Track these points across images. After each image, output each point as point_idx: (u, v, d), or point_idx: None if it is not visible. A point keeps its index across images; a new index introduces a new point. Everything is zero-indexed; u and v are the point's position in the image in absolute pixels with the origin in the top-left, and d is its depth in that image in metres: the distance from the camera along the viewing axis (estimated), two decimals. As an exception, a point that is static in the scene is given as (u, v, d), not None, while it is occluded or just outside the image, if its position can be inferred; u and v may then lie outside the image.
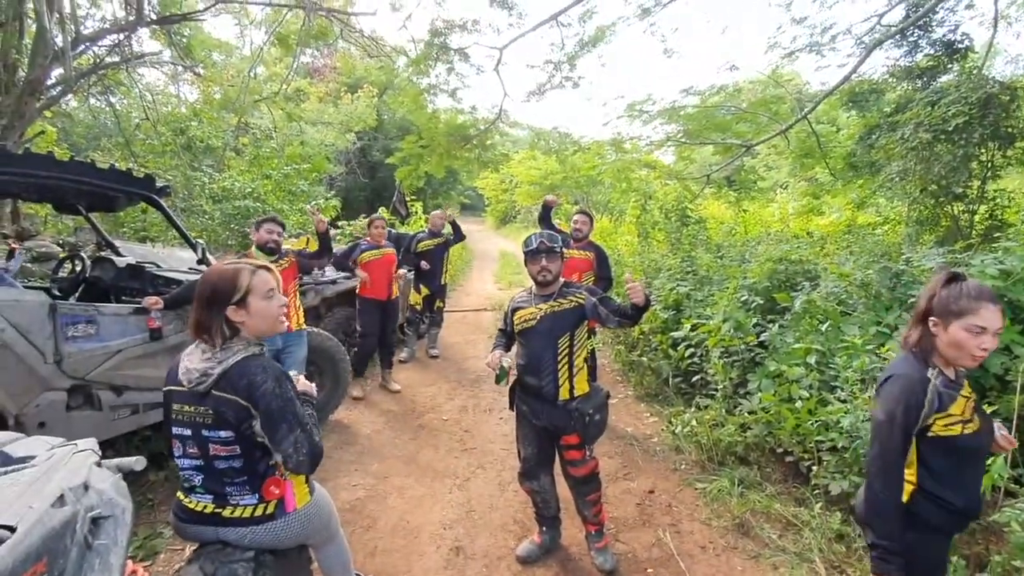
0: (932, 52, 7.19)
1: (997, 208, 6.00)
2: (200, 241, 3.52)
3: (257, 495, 1.58)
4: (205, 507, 1.58)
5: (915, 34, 7.32)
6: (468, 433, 4.24)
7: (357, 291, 4.93)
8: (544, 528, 2.77)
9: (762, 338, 3.77)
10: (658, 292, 5.36)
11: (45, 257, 6.95)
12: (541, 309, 2.48)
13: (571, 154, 10.48)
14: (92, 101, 10.98)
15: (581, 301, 2.46)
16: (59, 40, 7.53)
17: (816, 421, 2.86)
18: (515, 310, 2.58)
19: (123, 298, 3.77)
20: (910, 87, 7.62)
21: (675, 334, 4.45)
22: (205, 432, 1.52)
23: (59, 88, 8.16)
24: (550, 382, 2.44)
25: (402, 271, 5.14)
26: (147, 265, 3.91)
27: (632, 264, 7.30)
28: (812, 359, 3.15)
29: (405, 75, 10.16)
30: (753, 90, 9.72)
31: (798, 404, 2.94)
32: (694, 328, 4.26)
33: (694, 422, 3.76)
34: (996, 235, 5.61)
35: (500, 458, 3.82)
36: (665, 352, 4.77)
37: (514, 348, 2.69)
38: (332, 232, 9.18)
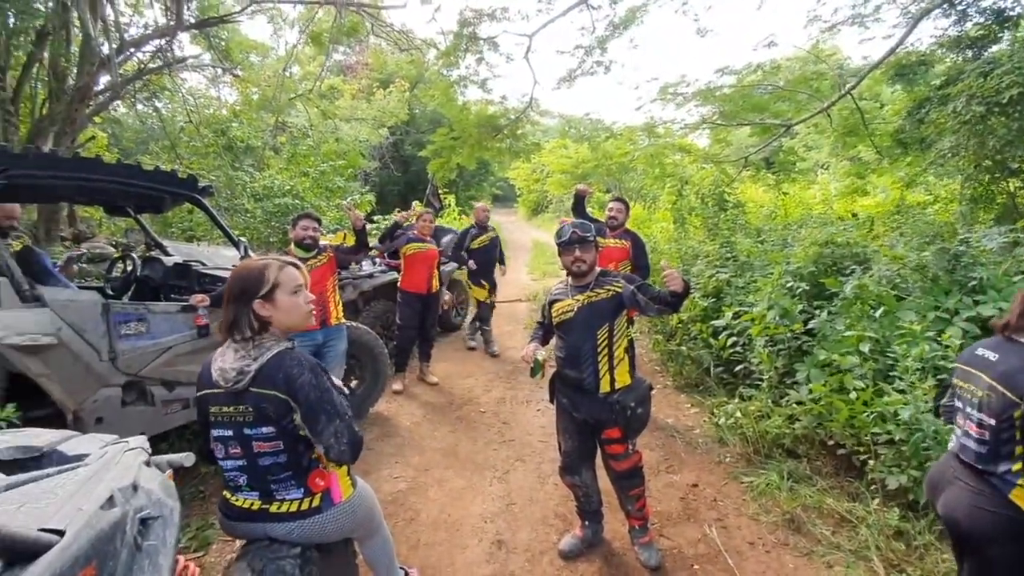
0: (982, 21, 6.73)
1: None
2: (242, 239, 3.61)
3: (303, 489, 1.59)
4: (252, 504, 1.60)
5: (963, 2, 6.86)
6: (506, 425, 4.24)
7: (398, 284, 4.98)
8: (586, 522, 2.74)
9: (810, 326, 3.62)
10: (697, 279, 5.23)
11: (100, 258, 7.27)
12: (578, 300, 2.43)
13: (603, 140, 10.30)
14: (139, 107, 11.41)
15: (618, 290, 2.41)
16: (104, 47, 7.83)
17: (872, 412, 2.72)
18: (552, 302, 2.55)
19: (171, 296, 3.90)
20: (959, 58, 7.17)
21: (716, 322, 4.32)
22: (247, 431, 1.54)
23: (107, 94, 8.51)
24: (590, 374, 2.40)
25: (443, 268, 5.18)
26: (193, 263, 4.04)
27: (668, 252, 7.15)
28: (865, 347, 3.00)
29: (435, 68, 10.17)
30: (792, 67, 9.30)
31: (852, 395, 2.80)
32: (736, 316, 4.13)
33: (739, 413, 3.65)
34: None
35: (539, 450, 3.80)
36: (705, 341, 4.65)
37: (552, 341, 2.66)
38: (368, 227, 9.31)
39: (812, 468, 3.25)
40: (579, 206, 4.85)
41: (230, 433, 1.57)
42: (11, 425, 2.13)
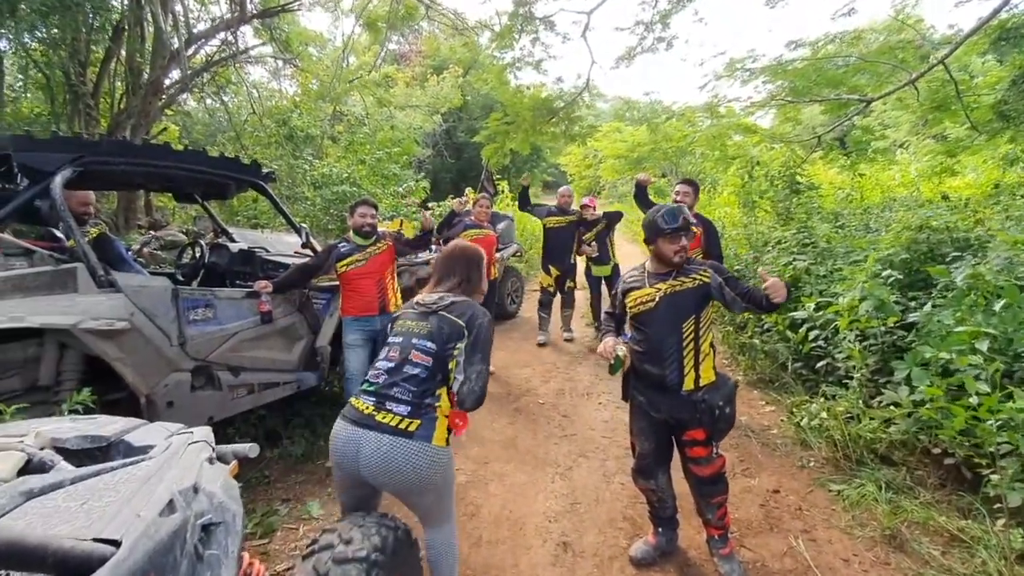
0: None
1: None
2: (304, 226, 3.59)
3: (410, 407, 1.81)
4: (367, 408, 1.82)
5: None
6: (567, 418, 4.09)
7: None
8: (660, 528, 2.54)
9: (910, 319, 3.25)
10: (771, 268, 4.86)
11: (172, 245, 7.60)
12: (660, 289, 2.23)
13: (664, 121, 9.84)
14: (208, 101, 11.85)
15: (706, 280, 2.22)
16: (175, 42, 8.10)
17: (999, 421, 2.38)
18: (627, 291, 2.35)
19: (236, 282, 3.96)
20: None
21: (795, 314, 3.99)
22: (415, 340, 1.89)
23: (177, 87, 8.84)
24: (674, 371, 2.21)
25: (500, 254, 5.02)
26: (257, 250, 4.07)
27: (736, 238, 6.73)
28: (983, 345, 2.64)
29: (489, 51, 9.99)
30: (873, 38, 8.53)
31: (973, 399, 2.46)
32: (819, 308, 3.79)
33: (824, 414, 3.34)
34: None
35: (602, 447, 3.63)
36: (782, 334, 4.31)
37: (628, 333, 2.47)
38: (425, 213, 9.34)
39: (913, 478, 2.93)
40: (641, 194, 4.59)
41: (400, 340, 1.93)
42: (87, 409, 2.15)
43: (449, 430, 1.88)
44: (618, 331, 2.47)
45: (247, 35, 10.13)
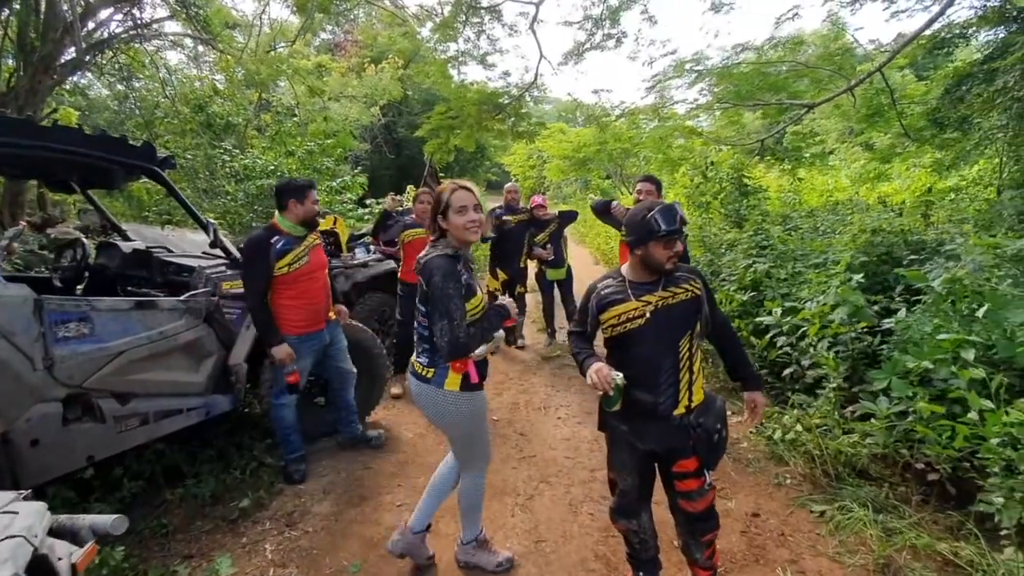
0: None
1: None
2: (212, 222, 3.00)
3: (428, 358, 2.08)
4: (414, 361, 2.14)
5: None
6: (524, 437, 3.70)
7: (398, 275, 4.38)
8: (640, 573, 2.18)
9: (885, 324, 3.09)
10: (731, 270, 4.69)
11: (66, 245, 6.63)
12: (649, 303, 1.85)
13: (613, 120, 9.71)
14: (119, 87, 10.67)
15: (698, 292, 1.90)
16: (68, 13, 7.10)
17: (1001, 435, 2.20)
18: (605, 306, 1.93)
19: (128, 288, 3.31)
20: (1003, 31, 6.66)
21: (763, 319, 3.80)
22: (419, 304, 2.06)
23: (71, 64, 7.78)
24: (669, 396, 1.87)
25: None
26: (156, 250, 3.44)
27: (691, 240, 6.60)
28: (969, 354, 2.48)
29: (431, 43, 9.50)
30: (814, 44, 8.77)
31: (972, 415, 2.27)
32: (788, 313, 3.61)
33: (799, 427, 3.13)
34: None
35: (565, 469, 3.27)
36: (746, 340, 4.13)
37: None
38: (361, 212, 8.72)
39: (896, 495, 2.74)
40: (604, 209, 4.15)
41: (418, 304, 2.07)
42: None
43: (467, 375, 2.03)
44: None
45: (159, 14, 9.16)
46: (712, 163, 7.79)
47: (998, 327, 2.60)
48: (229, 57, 8.31)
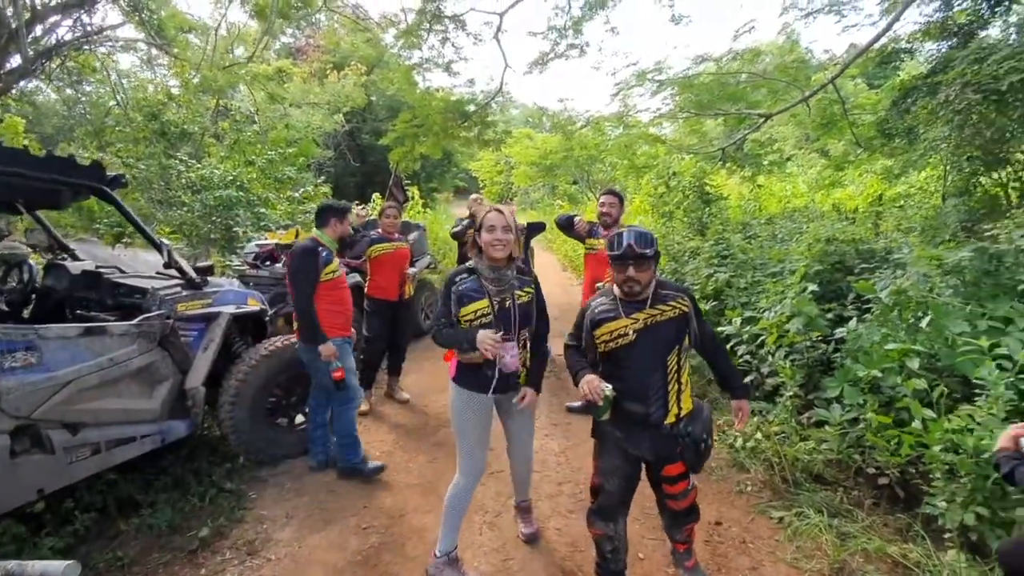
0: (971, 6, 6.58)
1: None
2: (166, 242, 2.91)
3: None
4: None
5: (951, -15, 6.70)
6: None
7: (364, 291, 4.33)
8: None
9: (838, 334, 3.21)
10: (694, 278, 4.80)
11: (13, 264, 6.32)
12: (637, 320, 1.97)
13: (578, 129, 9.81)
14: (68, 91, 10.24)
15: (684, 309, 2.02)
16: (13, 18, 6.78)
17: (944, 442, 2.31)
18: (597, 322, 2.04)
19: (78, 312, 3.18)
20: (945, 46, 7.03)
21: (724, 329, 3.90)
22: None
23: (18, 71, 7.42)
24: (659, 407, 2.00)
25: (413, 270, 4.50)
26: (106, 271, 3.31)
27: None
28: (915, 363, 2.61)
29: (395, 49, 9.43)
30: (771, 55, 9.05)
31: (916, 424, 2.38)
32: (747, 322, 3.72)
33: (759, 434, 3.23)
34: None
35: (533, 484, 3.27)
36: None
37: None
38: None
39: (850, 499, 2.85)
40: (567, 223, 4.20)
41: None
42: None
43: (453, 366, 2.35)
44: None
45: (110, 18, 8.82)
46: (674, 173, 7.96)
47: (940, 336, 2.74)
48: (184, 63, 8.04)
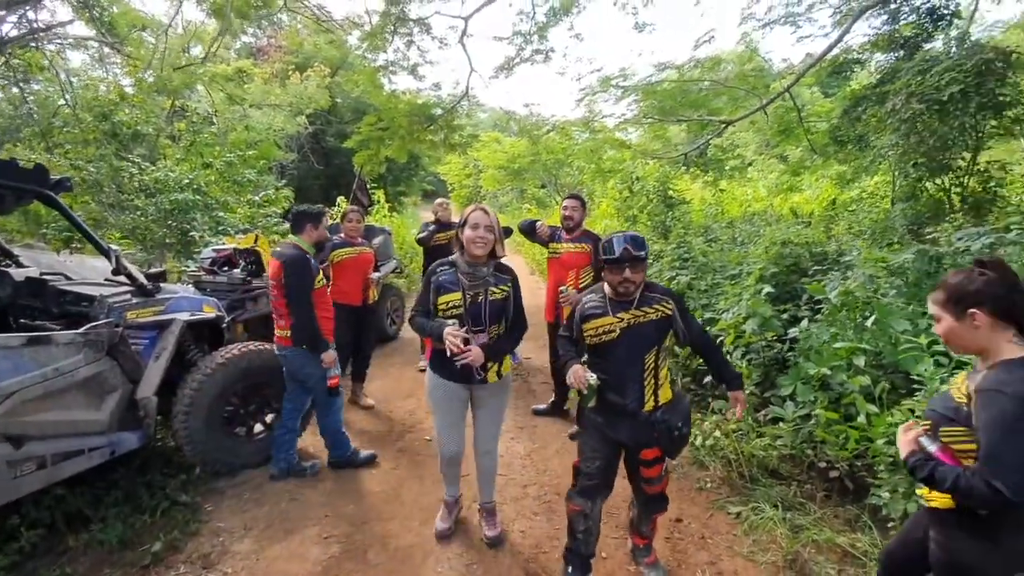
0: (915, 19, 6.92)
1: (990, 181, 5.73)
2: (115, 247, 2.81)
3: None
4: None
5: (897, 0, 7.03)
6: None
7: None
8: (571, 569, 2.37)
9: (790, 334, 3.33)
10: (657, 281, 4.90)
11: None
12: (622, 319, 2.12)
13: (544, 133, 9.89)
14: (14, 90, 9.77)
15: (668, 312, 2.15)
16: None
17: (886, 437, 2.42)
18: (586, 318, 2.20)
19: (22, 320, 3.04)
20: (892, 57, 7.37)
21: (684, 331, 3.98)
22: None
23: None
24: (635, 398, 2.14)
25: (376, 275, 4.45)
26: (52, 278, 3.17)
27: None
28: (860, 360, 2.72)
29: (359, 52, 9.33)
30: (731, 63, 9.32)
31: (861, 419, 2.49)
32: (708, 323, 3.81)
33: (717, 432, 3.31)
34: (990, 209, 5.39)
35: (498, 487, 3.25)
36: (670, 349, 4.31)
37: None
38: (287, 227, 8.35)
39: (803, 492, 2.95)
40: (529, 229, 4.25)
41: None
42: None
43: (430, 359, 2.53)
44: (579, 353, 2.31)
45: (59, 13, 8.46)
46: (638, 178, 8.10)
47: (885, 334, 2.87)
48: (137, 62, 7.76)
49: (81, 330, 2.63)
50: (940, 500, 1.46)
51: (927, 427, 1.48)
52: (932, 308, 1.49)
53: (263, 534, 2.81)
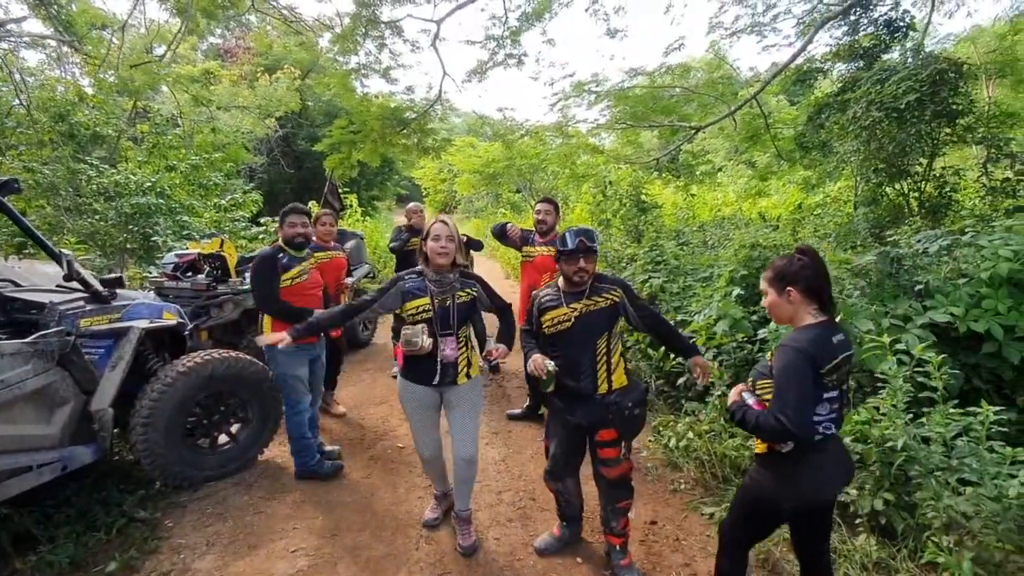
0: (874, 31, 7.17)
1: (945, 186, 5.94)
2: (67, 253, 2.68)
3: None
4: None
5: (856, 12, 7.27)
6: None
7: None
8: (565, 523, 2.68)
9: (761, 334, 3.37)
10: (630, 284, 4.93)
11: None
12: (575, 309, 2.28)
13: (518, 138, 9.90)
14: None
15: (616, 300, 2.31)
16: None
17: (852, 434, 2.46)
18: (543, 310, 2.36)
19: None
20: (853, 67, 7.61)
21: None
22: None
23: None
24: (589, 383, 2.29)
25: (350, 280, 4.36)
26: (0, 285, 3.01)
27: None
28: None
29: (331, 54, 9.20)
30: (700, 70, 9.51)
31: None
32: (680, 325, 3.84)
33: (691, 434, 3.33)
34: (945, 213, 5.60)
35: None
36: (644, 352, 4.34)
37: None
38: (255, 231, 8.17)
39: (774, 492, 2.98)
40: (501, 232, 4.25)
41: None
42: None
43: (404, 363, 2.51)
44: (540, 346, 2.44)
45: (13, 10, 8.11)
46: (610, 182, 8.18)
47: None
48: (96, 61, 7.48)
49: (29, 339, 2.49)
50: (760, 446, 1.81)
51: (749, 385, 1.81)
52: (762, 284, 1.81)
53: (227, 550, 2.70)
